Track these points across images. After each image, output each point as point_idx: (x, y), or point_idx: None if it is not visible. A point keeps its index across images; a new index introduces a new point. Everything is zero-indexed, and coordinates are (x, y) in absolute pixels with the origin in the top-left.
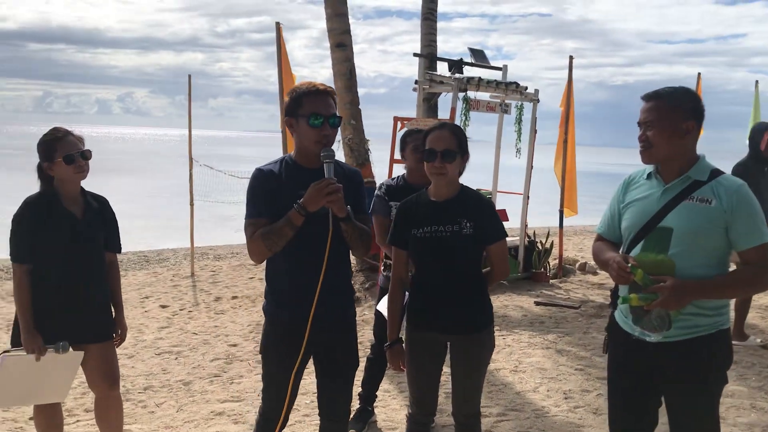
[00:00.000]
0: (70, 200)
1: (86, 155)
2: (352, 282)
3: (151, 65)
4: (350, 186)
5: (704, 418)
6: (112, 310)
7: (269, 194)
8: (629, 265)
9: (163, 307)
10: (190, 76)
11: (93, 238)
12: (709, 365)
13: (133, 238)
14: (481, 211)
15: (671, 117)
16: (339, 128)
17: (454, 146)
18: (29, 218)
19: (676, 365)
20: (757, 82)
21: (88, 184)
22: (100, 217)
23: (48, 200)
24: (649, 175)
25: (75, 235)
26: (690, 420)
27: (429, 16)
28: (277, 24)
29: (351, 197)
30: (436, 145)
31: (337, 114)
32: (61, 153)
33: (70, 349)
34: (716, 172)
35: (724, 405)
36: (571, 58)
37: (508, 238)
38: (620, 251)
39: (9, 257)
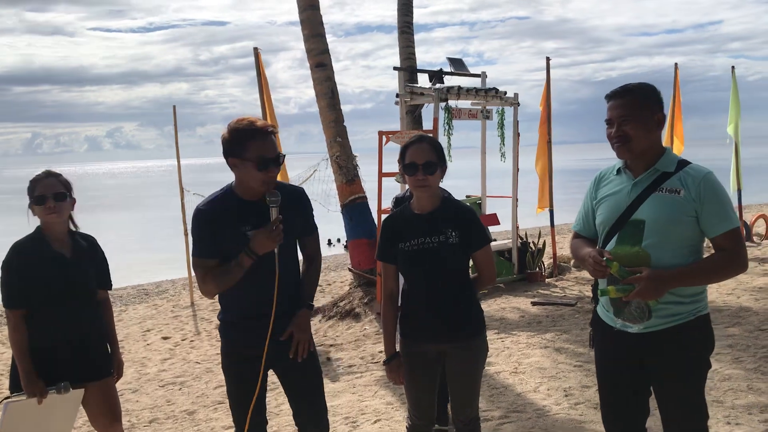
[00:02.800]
0: (58, 241)
1: (59, 197)
2: (351, 298)
3: (137, 99)
4: (299, 205)
5: (691, 403)
6: (108, 347)
7: (212, 234)
8: (604, 258)
9: (165, 338)
10: (174, 107)
11: (84, 277)
12: (691, 351)
13: (130, 273)
14: (465, 219)
15: (645, 110)
16: (282, 167)
17: (434, 158)
18: (18, 263)
19: (660, 354)
20: (733, 68)
21: (84, 221)
22: (90, 256)
23: (36, 243)
24: (618, 171)
25: (66, 276)
26: (678, 406)
27: (406, 29)
28: (255, 50)
29: (302, 215)
30: (416, 159)
31: (281, 152)
32: (37, 194)
33: (71, 389)
34: (683, 163)
35: (721, 389)
36: (548, 59)
37: (501, 241)
38: (597, 246)
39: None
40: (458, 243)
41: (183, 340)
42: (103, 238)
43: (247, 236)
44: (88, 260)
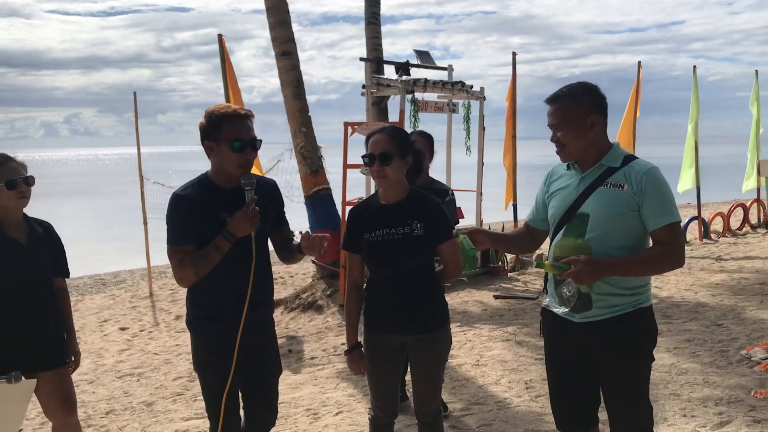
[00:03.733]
0: (13, 227)
1: (29, 181)
2: (314, 290)
3: (97, 84)
4: (273, 196)
5: (634, 393)
6: (64, 336)
7: (191, 221)
8: (539, 263)
9: (123, 329)
10: (135, 94)
11: (39, 264)
12: (631, 342)
13: (88, 262)
14: (431, 212)
15: (574, 115)
16: (258, 150)
17: (392, 149)
18: None
19: (601, 344)
20: (695, 67)
21: (40, 209)
22: (46, 243)
23: None
24: (568, 166)
25: (21, 262)
26: (620, 396)
27: (372, 20)
28: (220, 36)
29: (276, 206)
30: (374, 149)
31: (257, 138)
32: (3, 178)
33: (23, 378)
34: (629, 158)
35: (678, 382)
36: (514, 54)
37: None
38: (548, 238)
39: None
40: (423, 235)
41: (141, 331)
42: (60, 226)
43: (225, 222)
44: (45, 247)
